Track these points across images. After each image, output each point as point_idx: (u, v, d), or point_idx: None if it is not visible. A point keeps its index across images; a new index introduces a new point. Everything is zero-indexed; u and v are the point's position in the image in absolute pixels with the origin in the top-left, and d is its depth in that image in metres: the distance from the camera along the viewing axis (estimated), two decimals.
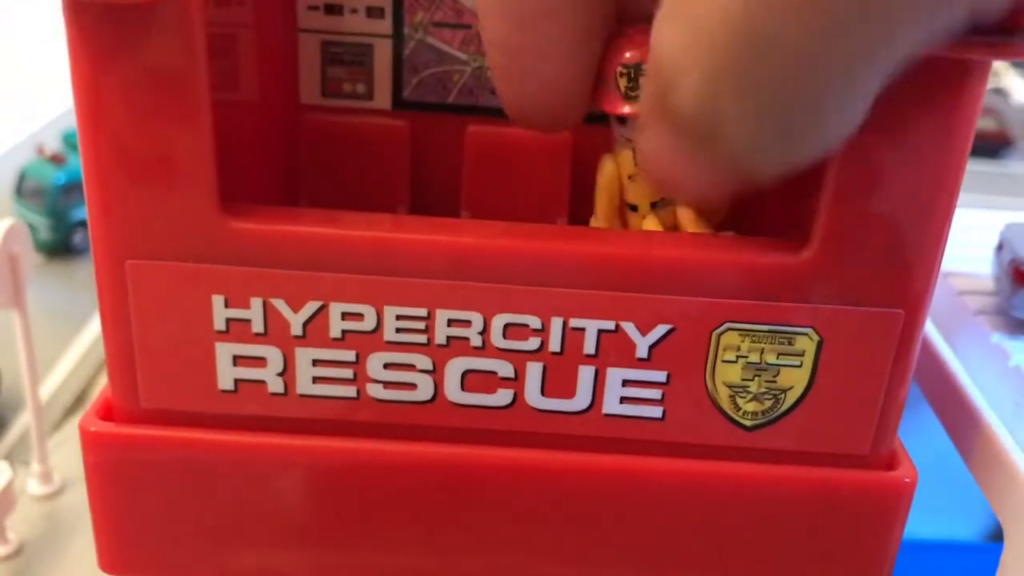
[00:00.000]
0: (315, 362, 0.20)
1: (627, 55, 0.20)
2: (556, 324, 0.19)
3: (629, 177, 0.22)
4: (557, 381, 0.20)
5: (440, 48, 0.25)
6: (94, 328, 0.51)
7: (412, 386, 0.20)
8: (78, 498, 0.37)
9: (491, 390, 0.20)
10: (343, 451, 0.20)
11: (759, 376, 0.20)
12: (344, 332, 0.19)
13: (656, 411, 0.20)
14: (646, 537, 0.21)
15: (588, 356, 0.20)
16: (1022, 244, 0.29)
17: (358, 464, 0.21)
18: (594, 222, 0.23)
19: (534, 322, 0.19)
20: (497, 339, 0.19)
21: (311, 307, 0.19)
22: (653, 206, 0.22)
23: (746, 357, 0.19)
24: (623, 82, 0.20)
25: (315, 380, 0.20)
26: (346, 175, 0.26)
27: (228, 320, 0.19)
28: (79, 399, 0.46)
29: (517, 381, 0.20)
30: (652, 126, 0.16)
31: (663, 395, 0.20)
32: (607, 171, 0.22)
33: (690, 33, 0.14)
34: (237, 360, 0.20)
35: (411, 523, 0.21)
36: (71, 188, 0.58)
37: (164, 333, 0.19)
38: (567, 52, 0.18)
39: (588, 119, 0.26)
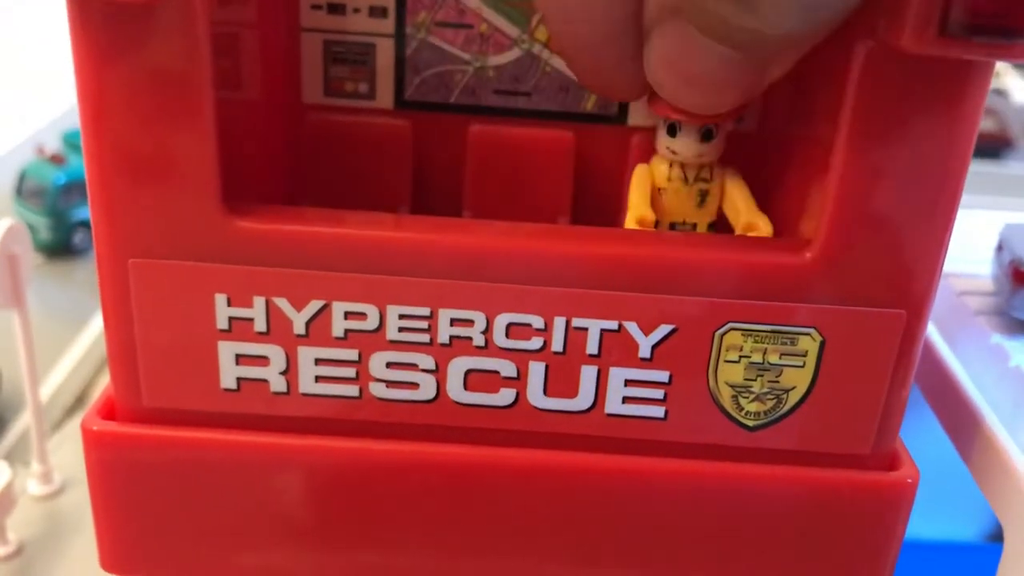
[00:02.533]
0: (317, 361, 0.20)
1: None
2: (559, 324, 0.19)
3: (659, 190, 0.22)
4: (559, 381, 0.20)
5: (443, 48, 0.25)
6: (94, 328, 0.51)
7: (414, 385, 0.20)
8: (78, 498, 0.36)
9: (493, 389, 0.20)
10: (345, 450, 0.20)
11: (761, 376, 0.20)
12: (347, 331, 0.19)
13: (658, 411, 0.20)
14: (648, 537, 0.21)
15: (591, 356, 0.20)
16: (1022, 244, 0.29)
17: (360, 463, 0.21)
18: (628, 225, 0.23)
19: (537, 322, 0.19)
20: (500, 339, 0.19)
21: (314, 306, 0.19)
22: (672, 227, 0.23)
23: (748, 357, 0.20)
24: None
25: (317, 379, 0.20)
26: (348, 175, 0.25)
27: (231, 319, 0.19)
28: (79, 399, 0.46)
29: (519, 381, 0.20)
30: (668, 22, 0.17)
31: (665, 395, 0.20)
32: (640, 171, 0.23)
33: None
34: (240, 359, 0.20)
35: (413, 522, 0.21)
36: (71, 188, 0.58)
37: (167, 332, 0.19)
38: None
39: (590, 118, 0.26)
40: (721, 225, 0.23)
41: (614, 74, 0.19)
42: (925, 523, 0.41)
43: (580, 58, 0.19)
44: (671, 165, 0.22)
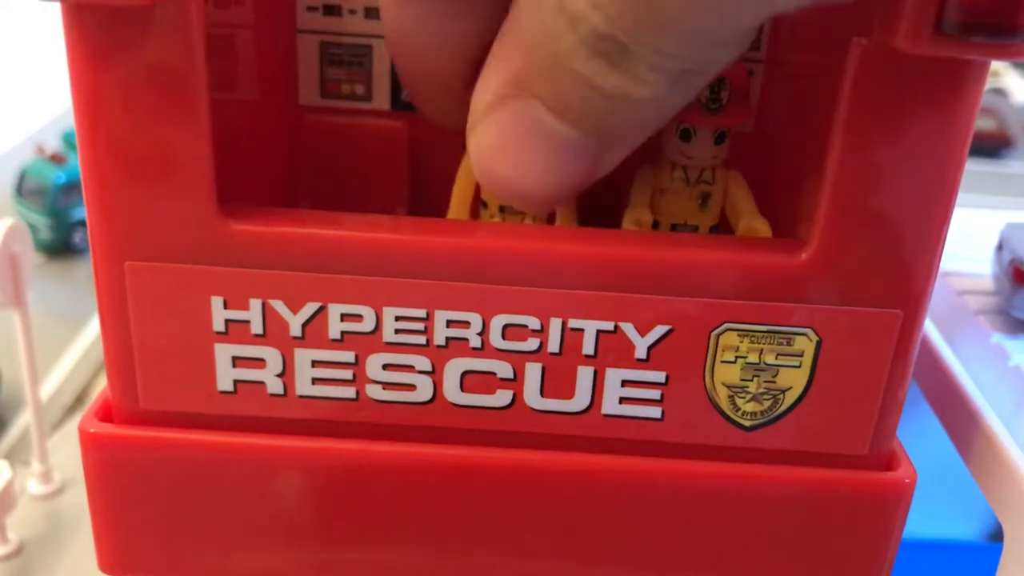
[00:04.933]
0: (314, 363, 0.20)
1: None
2: (555, 325, 0.19)
3: (660, 191, 0.23)
4: (556, 382, 0.20)
5: None
6: (94, 328, 0.51)
7: (411, 387, 0.20)
8: (78, 498, 0.37)
9: (490, 391, 0.20)
10: (342, 452, 0.20)
11: (758, 376, 0.20)
12: (343, 333, 0.19)
13: (655, 411, 0.20)
14: (645, 537, 0.21)
15: (587, 357, 0.20)
16: (1022, 244, 0.29)
17: (357, 465, 0.21)
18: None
19: (533, 323, 0.19)
20: (496, 340, 0.19)
21: (310, 308, 0.19)
22: (673, 228, 0.23)
23: (745, 357, 0.19)
24: (705, 93, 0.20)
25: (314, 381, 0.20)
26: (345, 176, 0.25)
27: (227, 321, 0.19)
28: (79, 399, 0.46)
29: (516, 382, 0.20)
30: (512, 100, 0.16)
31: (662, 395, 0.20)
32: (644, 172, 0.23)
33: None
34: (236, 361, 0.20)
35: (410, 524, 0.21)
36: (71, 187, 0.58)
37: (163, 334, 0.19)
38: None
39: None
40: (724, 229, 0.23)
41: (447, 118, 0.21)
42: (925, 523, 0.41)
43: (421, 102, 0.22)
44: (673, 167, 0.22)
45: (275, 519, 0.21)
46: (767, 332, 0.19)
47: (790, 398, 0.20)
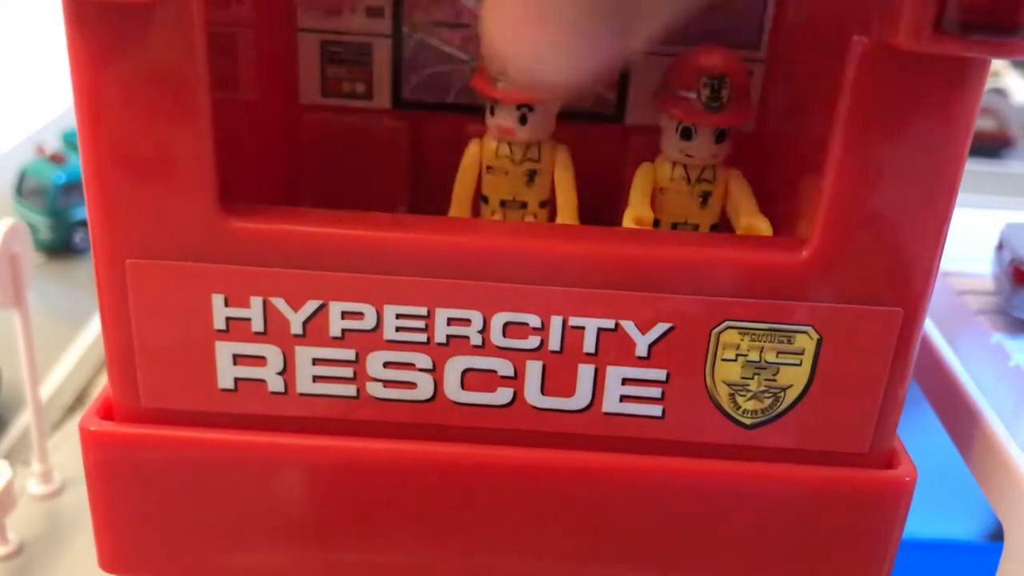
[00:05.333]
0: (315, 361, 0.20)
1: (710, 66, 0.21)
2: (556, 323, 0.19)
3: (661, 189, 0.22)
4: (557, 380, 0.20)
5: (439, 48, 0.25)
6: (94, 328, 0.51)
7: (412, 385, 0.20)
8: (78, 498, 0.36)
9: (491, 389, 0.20)
10: (343, 450, 0.20)
11: (759, 374, 0.20)
12: (344, 331, 0.19)
13: (656, 409, 0.20)
14: (645, 535, 0.21)
15: (588, 355, 0.20)
16: (1022, 244, 0.29)
17: (358, 463, 0.21)
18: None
19: (534, 321, 0.19)
20: (497, 338, 0.19)
21: (311, 306, 0.19)
22: (674, 227, 0.23)
23: (746, 355, 0.20)
24: (706, 92, 0.20)
25: (315, 379, 0.20)
26: (346, 175, 0.26)
27: (228, 319, 0.19)
28: (79, 399, 0.46)
29: (517, 380, 0.20)
30: None
31: (663, 393, 0.20)
32: (644, 170, 0.23)
33: None
34: (237, 359, 0.20)
35: (411, 521, 0.21)
36: (71, 187, 0.58)
37: (164, 332, 0.19)
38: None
39: (588, 117, 0.26)
40: (724, 227, 0.23)
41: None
42: (925, 522, 0.41)
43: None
44: (674, 165, 0.22)
45: (276, 517, 0.21)
46: (768, 330, 0.19)
47: (791, 396, 0.20)
